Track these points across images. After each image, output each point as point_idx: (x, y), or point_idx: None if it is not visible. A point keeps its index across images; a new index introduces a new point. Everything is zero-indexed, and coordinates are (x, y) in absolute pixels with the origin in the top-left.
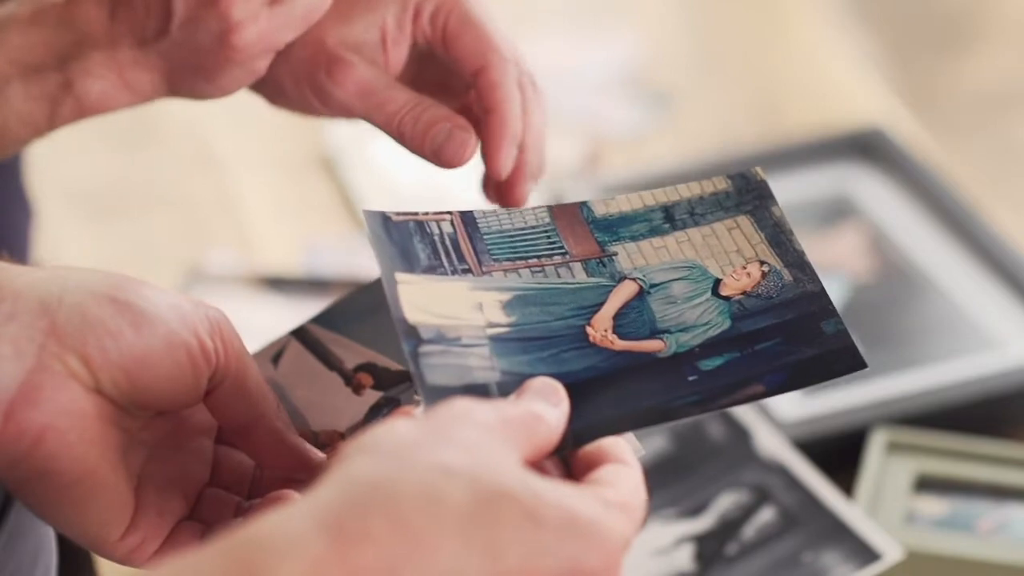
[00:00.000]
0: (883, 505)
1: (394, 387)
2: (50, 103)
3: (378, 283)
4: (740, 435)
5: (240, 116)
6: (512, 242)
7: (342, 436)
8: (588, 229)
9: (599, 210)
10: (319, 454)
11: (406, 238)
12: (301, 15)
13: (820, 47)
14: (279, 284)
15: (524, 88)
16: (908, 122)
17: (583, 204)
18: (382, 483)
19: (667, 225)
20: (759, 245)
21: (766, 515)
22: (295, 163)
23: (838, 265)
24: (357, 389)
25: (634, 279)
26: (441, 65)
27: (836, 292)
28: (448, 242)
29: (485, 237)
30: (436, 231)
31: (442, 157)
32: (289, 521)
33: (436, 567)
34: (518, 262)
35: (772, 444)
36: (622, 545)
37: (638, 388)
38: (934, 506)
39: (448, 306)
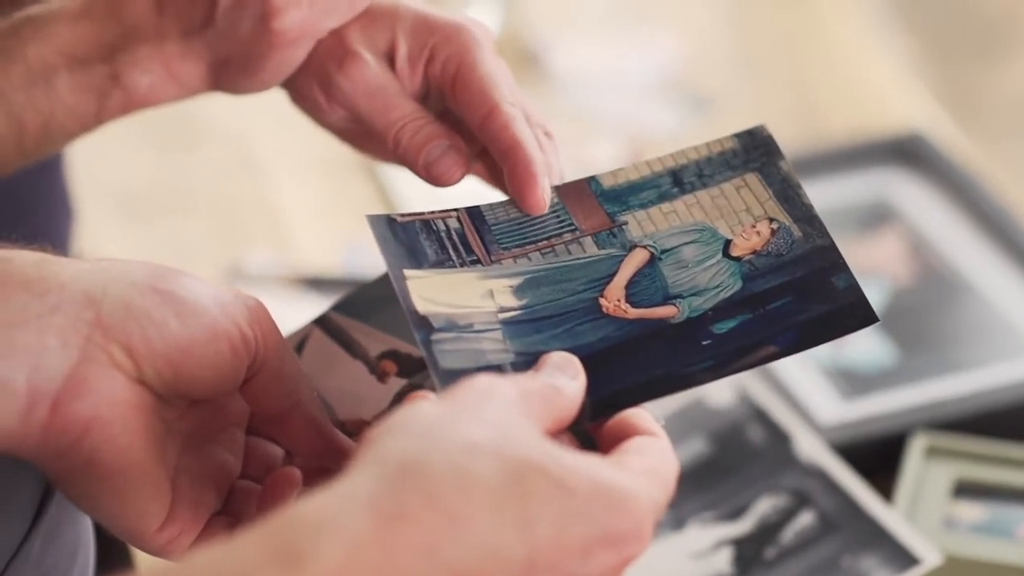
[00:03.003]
0: (922, 510)
1: (418, 374)
2: (98, 95)
3: None
4: (780, 439)
5: (280, 118)
6: (520, 228)
7: (368, 425)
8: (597, 202)
9: (607, 182)
10: (351, 442)
11: (412, 237)
12: (347, 1)
13: (860, 52)
14: (318, 284)
15: (538, 135)
16: (948, 127)
17: (591, 179)
18: (413, 463)
19: (676, 189)
20: (768, 202)
21: (805, 519)
22: (335, 164)
23: (878, 270)
24: (382, 377)
25: (645, 246)
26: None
27: (876, 296)
28: (455, 237)
29: (493, 228)
30: (443, 227)
31: (432, 172)
32: (327, 504)
33: (472, 541)
34: (528, 247)
35: (812, 448)
36: (651, 510)
37: (652, 356)
38: (973, 511)
39: (458, 296)
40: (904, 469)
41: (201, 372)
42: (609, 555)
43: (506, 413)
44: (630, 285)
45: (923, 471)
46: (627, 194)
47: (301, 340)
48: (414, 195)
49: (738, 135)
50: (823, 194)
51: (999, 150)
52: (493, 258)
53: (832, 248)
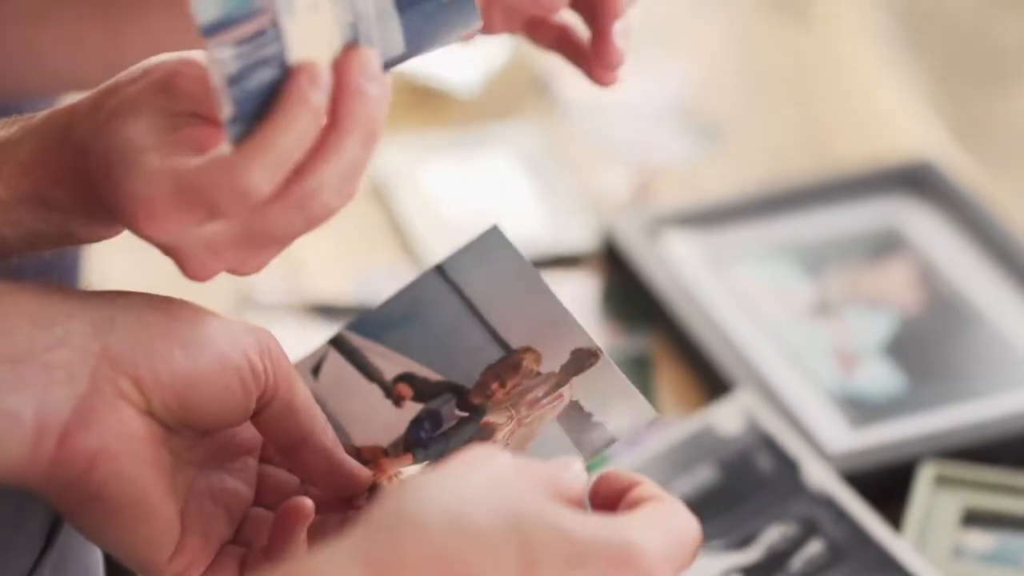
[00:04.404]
0: (931, 539)
1: (434, 399)
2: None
3: (412, 289)
4: (788, 467)
5: None
6: None
7: (384, 452)
8: None
9: None
10: (366, 471)
11: None
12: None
13: (870, 80)
14: (329, 312)
15: None
16: (957, 155)
17: None
18: (407, 513)
19: None
20: None
21: (814, 548)
22: None
23: (887, 298)
24: (397, 401)
25: None
26: None
27: (885, 325)
28: None
29: None
30: None
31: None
32: (327, 557)
33: None
34: None
35: (820, 476)
36: (661, 565)
37: None
38: (982, 540)
39: None
40: (913, 498)
41: (209, 404)
42: None
43: (506, 473)
44: None
45: (932, 500)
46: None
47: (318, 362)
48: (423, 220)
49: None
50: (832, 222)
51: (1009, 179)
52: None
53: None
